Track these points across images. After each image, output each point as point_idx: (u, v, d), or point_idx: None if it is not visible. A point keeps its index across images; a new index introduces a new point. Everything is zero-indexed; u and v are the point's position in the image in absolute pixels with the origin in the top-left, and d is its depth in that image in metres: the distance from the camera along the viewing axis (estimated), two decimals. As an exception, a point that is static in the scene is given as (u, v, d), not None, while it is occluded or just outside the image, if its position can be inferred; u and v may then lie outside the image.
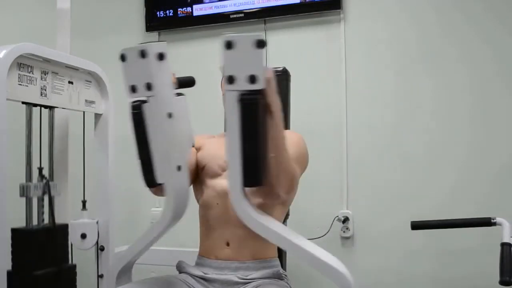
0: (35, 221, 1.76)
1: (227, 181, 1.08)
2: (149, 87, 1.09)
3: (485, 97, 2.18)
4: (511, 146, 2.13)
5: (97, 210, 1.97)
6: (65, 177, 1.94)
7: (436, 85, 2.24)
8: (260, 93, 1.03)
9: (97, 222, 1.91)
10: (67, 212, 1.93)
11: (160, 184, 1.16)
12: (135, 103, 1.14)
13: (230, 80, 1.02)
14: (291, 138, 1.51)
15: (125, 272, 1.37)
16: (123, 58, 1.12)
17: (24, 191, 1.69)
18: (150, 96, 1.10)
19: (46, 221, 1.79)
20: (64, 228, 1.86)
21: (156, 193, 1.37)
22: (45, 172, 1.79)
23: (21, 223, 1.71)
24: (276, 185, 1.22)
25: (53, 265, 1.73)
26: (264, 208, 1.48)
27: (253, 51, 1.01)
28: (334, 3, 2.36)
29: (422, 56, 2.27)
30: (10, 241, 1.65)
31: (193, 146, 1.36)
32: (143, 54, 1.08)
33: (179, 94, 1.23)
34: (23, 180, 1.69)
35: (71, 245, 1.93)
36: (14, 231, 1.67)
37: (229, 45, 1.02)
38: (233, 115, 1.03)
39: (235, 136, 1.04)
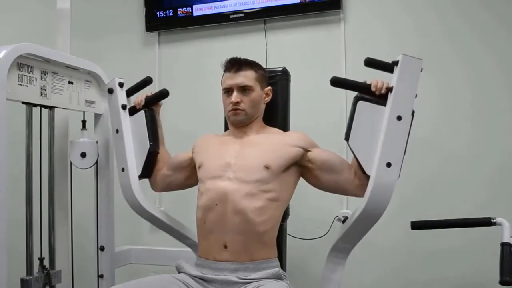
0: None
1: (387, 176, 1.35)
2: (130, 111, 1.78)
3: (485, 96, 2.18)
4: (511, 146, 2.13)
5: (97, 213, 1.96)
6: (65, 177, 1.93)
7: (435, 85, 2.24)
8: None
9: (96, 142, 1.92)
10: None
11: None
12: None
13: (416, 95, 1.40)
14: (310, 140, 1.62)
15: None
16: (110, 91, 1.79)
17: (25, 285, 1.64)
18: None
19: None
20: None
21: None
22: (45, 167, 1.79)
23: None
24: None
25: None
26: (263, 211, 1.49)
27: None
28: (334, 3, 2.36)
29: (422, 56, 2.25)
30: None
31: (155, 151, 1.72)
32: (109, 90, 1.79)
33: (141, 110, 1.74)
34: (23, 180, 1.69)
35: (72, 245, 1.93)
36: None
37: (422, 69, 1.43)
38: (409, 123, 1.38)
39: (406, 138, 1.37)
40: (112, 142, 1.83)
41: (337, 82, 1.47)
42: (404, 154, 1.37)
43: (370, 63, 1.42)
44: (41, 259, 1.73)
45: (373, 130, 1.38)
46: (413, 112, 1.37)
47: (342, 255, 1.52)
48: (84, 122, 1.94)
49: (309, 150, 1.56)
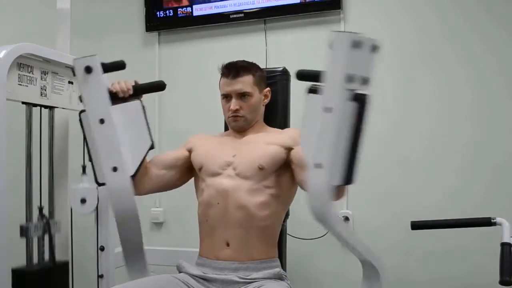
0: (35, 254, 1.75)
1: (314, 178, 1.12)
2: (80, 99, 1.35)
3: (485, 97, 2.18)
4: (511, 146, 2.13)
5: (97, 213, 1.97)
6: (65, 177, 1.93)
7: (436, 85, 2.24)
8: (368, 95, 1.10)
9: (97, 188, 1.90)
10: (67, 248, 1.93)
11: (103, 184, 1.34)
12: (79, 112, 1.36)
13: (350, 79, 1.07)
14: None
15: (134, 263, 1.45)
16: (73, 72, 1.37)
17: (24, 232, 1.67)
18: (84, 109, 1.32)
19: (47, 257, 1.79)
20: (65, 265, 1.85)
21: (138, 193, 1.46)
22: (45, 167, 1.79)
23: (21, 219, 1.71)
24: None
25: None
26: (265, 206, 1.49)
27: (370, 54, 1.09)
28: (334, 3, 2.36)
29: (422, 56, 2.27)
30: (11, 282, 1.64)
31: (151, 148, 1.39)
32: (72, 70, 1.36)
33: (134, 99, 1.41)
34: (23, 180, 1.69)
35: (72, 246, 1.93)
36: (15, 272, 1.66)
37: (356, 44, 1.07)
38: (344, 113, 1.08)
39: (343, 134, 1.09)
40: (94, 135, 1.37)
41: (301, 75, 1.32)
42: (354, 153, 1.11)
43: (302, 76, 1.29)
44: (40, 208, 1.73)
45: (317, 125, 1.15)
46: (361, 98, 1.11)
47: (365, 271, 1.38)
48: (84, 167, 1.91)
49: (292, 148, 1.53)
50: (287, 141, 1.55)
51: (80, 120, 1.35)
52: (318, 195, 1.14)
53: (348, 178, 1.10)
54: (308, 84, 1.33)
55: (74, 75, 1.34)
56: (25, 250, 1.72)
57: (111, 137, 1.35)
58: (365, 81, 1.10)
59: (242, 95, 1.59)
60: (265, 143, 1.56)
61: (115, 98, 1.42)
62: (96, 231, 1.94)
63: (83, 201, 1.84)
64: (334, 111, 1.08)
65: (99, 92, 1.35)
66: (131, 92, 1.44)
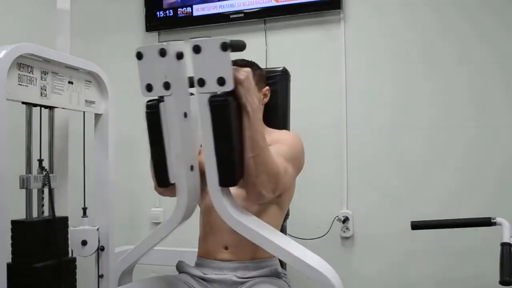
0: (35, 213, 1.76)
1: (207, 181, 1.10)
2: (167, 86, 1.10)
3: (485, 97, 2.18)
4: (511, 146, 2.13)
5: (97, 214, 1.96)
6: (65, 177, 1.93)
7: (436, 85, 2.24)
8: (231, 94, 1.06)
9: (97, 229, 1.91)
10: (67, 205, 1.93)
11: (172, 184, 1.17)
12: (151, 102, 1.14)
13: (201, 83, 1.04)
14: (285, 138, 1.52)
15: (128, 273, 1.38)
16: (139, 56, 1.17)
17: (24, 183, 1.68)
18: (167, 95, 1.10)
19: (46, 213, 1.79)
20: (64, 220, 1.85)
21: (163, 193, 1.40)
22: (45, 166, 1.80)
23: (21, 214, 1.71)
24: (258, 185, 1.21)
25: (53, 257, 1.73)
26: (263, 213, 1.48)
27: (219, 54, 1.07)
28: (334, 3, 2.36)
29: (422, 56, 2.27)
30: (10, 233, 1.64)
31: (201, 146, 1.27)
32: (162, 53, 1.11)
33: (191, 94, 1.21)
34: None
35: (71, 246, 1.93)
36: (14, 223, 1.66)
37: (197, 49, 1.06)
38: (205, 117, 1.06)
39: (209, 137, 1.06)
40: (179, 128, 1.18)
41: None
42: (225, 155, 1.08)
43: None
44: (40, 160, 1.74)
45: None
46: (220, 100, 1.05)
47: None
48: (84, 209, 1.93)
49: None
50: (269, 142, 1.53)
51: (155, 111, 1.14)
52: (193, 197, 1.17)
53: (225, 179, 1.09)
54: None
55: (140, 59, 1.19)
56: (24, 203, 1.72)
57: (193, 133, 1.19)
58: (221, 81, 1.05)
59: None
60: None
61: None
62: (97, 238, 1.94)
63: (83, 243, 1.86)
64: (199, 115, 1.07)
65: (186, 82, 1.17)
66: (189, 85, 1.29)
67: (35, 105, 1.71)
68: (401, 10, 2.32)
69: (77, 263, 1.93)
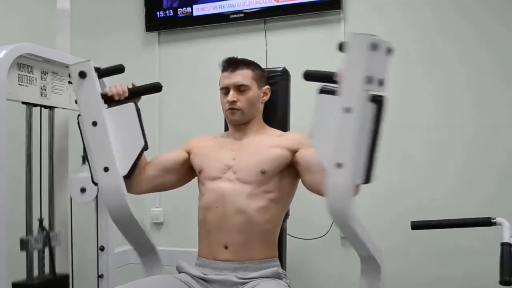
0: (35, 266, 1.74)
1: (336, 178, 1.14)
2: (75, 101, 1.44)
3: (485, 96, 2.18)
4: (511, 146, 2.13)
5: (97, 214, 1.97)
6: (65, 177, 1.93)
7: (435, 85, 2.24)
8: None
9: None
10: (68, 261, 1.92)
11: (96, 184, 1.42)
12: (78, 115, 1.44)
13: (369, 80, 1.09)
14: (307, 143, 1.50)
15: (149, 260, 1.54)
16: (69, 76, 1.45)
17: (24, 245, 1.66)
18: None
19: (47, 270, 1.78)
20: (65, 278, 1.85)
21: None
22: (45, 167, 1.79)
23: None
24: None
25: None
26: (264, 211, 1.48)
27: (386, 57, 1.11)
28: (334, 3, 2.36)
29: (422, 55, 2.27)
30: None
31: (145, 149, 1.45)
32: (69, 74, 1.44)
33: (129, 102, 1.46)
34: (23, 180, 1.69)
35: (72, 245, 1.93)
36: (15, 286, 1.66)
37: (374, 47, 1.09)
38: (364, 114, 1.11)
39: (364, 134, 1.12)
40: (87, 137, 1.45)
41: (309, 75, 1.32)
42: (372, 152, 1.15)
43: (310, 76, 1.29)
44: (40, 220, 1.73)
45: (333, 126, 1.16)
46: (378, 100, 1.11)
47: (367, 268, 1.35)
48: (84, 157, 1.88)
49: (297, 151, 1.53)
50: (291, 143, 1.55)
51: (78, 123, 1.44)
52: (339, 195, 1.15)
53: (367, 177, 1.15)
54: (313, 84, 1.34)
55: (69, 80, 1.48)
56: (25, 262, 1.71)
57: (103, 139, 1.41)
58: (381, 82, 1.12)
59: (240, 88, 1.59)
60: (267, 146, 1.56)
61: (112, 101, 1.48)
62: (96, 231, 1.94)
63: (82, 190, 1.84)
64: (354, 111, 1.10)
65: (92, 96, 1.42)
66: (126, 94, 1.49)
67: (35, 105, 1.71)
68: (401, 10, 2.32)
69: (77, 263, 1.93)
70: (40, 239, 1.70)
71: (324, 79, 1.26)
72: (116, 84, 1.49)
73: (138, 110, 1.47)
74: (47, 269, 1.78)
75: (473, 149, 2.18)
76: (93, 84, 1.42)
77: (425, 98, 2.26)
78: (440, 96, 2.24)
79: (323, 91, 1.22)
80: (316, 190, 1.43)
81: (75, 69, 1.41)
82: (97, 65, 1.48)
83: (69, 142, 2.00)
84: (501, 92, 2.16)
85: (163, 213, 2.62)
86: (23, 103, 1.66)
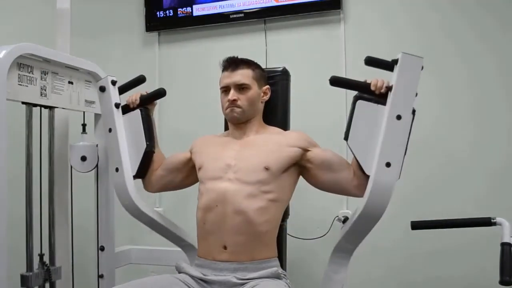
0: None
1: (384, 176, 1.33)
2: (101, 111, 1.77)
3: (485, 96, 2.18)
4: (511, 146, 2.13)
5: (97, 214, 1.96)
6: (65, 179, 1.93)
7: (436, 85, 2.24)
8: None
9: (96, 145, 1.91)
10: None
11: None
12: None
13: (416, 94, 1.37)
14: (316, 143, 1.61)
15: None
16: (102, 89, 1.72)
17: (25, 281, 1.64)
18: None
19: None
20: None
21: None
22: (45, 167, 1.79)
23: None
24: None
25: None
26: (264, 211, 1.49)
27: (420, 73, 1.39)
28: (334, 3, 2.36)
29: (422, 55, 2.26)
30: None
31: (151, 151, 1.69)
32: (99, 88, 1.73)
33: (136, 109, 1.70)
34: (23, 181, 1.68)
35: (72, 245, 1.92)
36: None
37: (423, 67, 1.40)
38: (409, 122, 1.35)
39: (406, 138, 1.35)
40: (106, 142, 1.79)
41: (336, 81, 1.46)
42: (405, 154, 1.36)
43: (370, 61, 1.41)
44: (41, 255, 1.73)
45: (373, 129, 1.37)
46: (414, 111, 1.36)
47: (345, 256, 1.51)
48: (84, 125, 1.93)
49: (309, 150, 1.56)
50: (300, 142, 1.56)
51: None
52: (385, 191, 1.34)
53: (400, 174, 1.36)
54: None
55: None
56: None
57: (115, 143, 1.66)
58: (416, 95, 1.37)
59: (241, 87, 1.60)
60: (273, 143, 1.57)
61: (128, 109, 1.72)
62: (96, 231, 1.94)
63: (83, 158, 1.86)
64: (404, 118, 1.33)
65: (108, 106, 1.69)
66: (137, 103, 1.71)
67: (35, 105, 1.71)
68: (401, 10, 2.32)
69: (77, 263, 1.93)
70: (41, 274, 1.70)
71: (356, 87, 1.45)
72: (132, 94, 1.72)
73: (144, 115, 1.69)
74: None
75: (473, 149, 2.18)
76: (109, 96, 1.69)
77: (425, 98, 2.26)
78: (440, 96, 2.24)
79: (360, 98, 1.41)
80: (336, 188, 1.53)
81: (97, 85, 1.73)
82: (115, 79, 1.72)
83: (69, 142, 2.00)
84: (501, 92, 2.16)
85: (163, 213, 2.62)
86: (23, 103, 1.66)
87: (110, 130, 1.68)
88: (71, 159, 1.87)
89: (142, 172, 1.70)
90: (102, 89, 1.70)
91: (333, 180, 1.52)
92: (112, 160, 1.70)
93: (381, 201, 1.35)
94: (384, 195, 1.34)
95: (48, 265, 1.73)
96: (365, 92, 1.41)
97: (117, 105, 1.69)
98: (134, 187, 1.66)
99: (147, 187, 1.77)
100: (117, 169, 1.65)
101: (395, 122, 1.33)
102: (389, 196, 1.35)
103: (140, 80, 1.74)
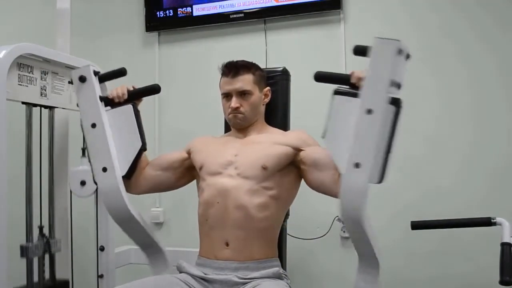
0: (35, 270, 1.74)
1: (352, 178, 1.17)
2: (77, 105, 1.50)
3: (485, 96, 2.18)
4: (511, 146, 2.13)
5: (98, 214, 1.96)
6: (65, 178, 1.93)
7: (436, 85, 2.24)
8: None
9: None
10: (68, 267, 1.92)
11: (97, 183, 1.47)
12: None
13: (392, 84, 1.15)
14: (314, 143, 1.57)
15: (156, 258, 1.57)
16: (70, 82, 1.55)
17: (24, 252, 1.66)
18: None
19: (48, 275, 1.78)
20: (65, 284, 1.85)
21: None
22: (45, 167, 1.79)
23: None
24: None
25: None
26: (264, 207, 1.49)
27: (405, 62, 1.18)
28: (334, 3, 2.36)
29: (422, 56, 2.27)
30: None
31: (143, 149, 1.51)
32: (70, 79, 1.51)
33: (127, 104, 1.52)
34: (23, 181, 1.69)
35: (72, 245, 1.93)
36: None
37: (400, 51, 1.17)
38: (385, 116, 1.16)
39: (384, 135, 1.17)
40: (87, 139, 1.52)
41: (321, 77, 1.35)
42: (389, 153, 1.20)
43: (320, 77, 1.34)
44: (40, 227, 1.74)
45: (349, 126, 1.21)
46: (398, 102, 1.16)
47: (365, 265, 1.37)
48: (84, 149, 1.88)
49: (302, 150, 1.54)
50: (294, 141, 1.55)
51: (81, 126, 1.49)
52: (354, 195, 1.18)
53: (382, 176, 1.18)
54: (313, 84, 1.38)
55: (70, 83, 1.56)
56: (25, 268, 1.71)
57: (102, 140, 1.46)
58: (399, 86, 1.17)
59: (242, 93, 1.60)
60: (270, 143, 1.57)
61: (113, 103, 1.53)
62: (96, 231, 1.94)
63: (82, 183, 1.83)
64: (376, 113, 1.15)
65: (91, 99, 1.48)
66: (125, 97, 1.53)
67: (35, 105, 1.71)
68: (401, 10, 2.32)
69: (77, 263, 1.93)
70: (40, 246, 1.70)
71: (337, 81, 1.32)
72: (117, 87, 1.53)
73: (136, 111, 1.52)
74: (47, 275, 1.78)
75: (473, 149, 2.18)
76: (92, 88, 1.48)
77: (425, 98, 2.26)
78: (440, 96, 2.24)
79: (338, 92, 1.27)
80: (323, 188, 1.47)
81: (76, 74, 1.48)
82: (97, 69, 1.53)
83: (69, 142, 2.01)
84: (501, 92, 2.16)
85: (163, 213, 2.62)
86: (23, 103, 1.66)
87: (93, 125, 1.47)
88: (71, 184, 1.85)
89: (131, 172, 1.52)
90: (83, 79, 1.48)
91: (319, 179, 1.47)
92: (96, 159, 1.47)
93: (353, 206, 1.20)
94: (354, 200, 1.19)
95: (47, 237, 1.74)
96: (346, 84, 1.29)
97: (101, 98, 1.51)
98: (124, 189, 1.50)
99: (132, 188, 1.59)
100: (104, 169, 1.46)
101: (365, 117, 1.16)
102: (359, 201, 1.19)
103: (122, 72, 1.56)
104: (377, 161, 1.17)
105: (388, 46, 1.17)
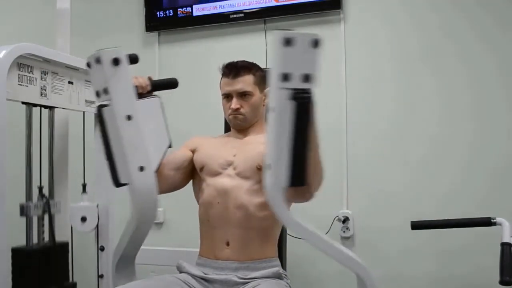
0: (35, 236, 1.74)
1: (267, 180, 1.06)
2: (105, 91, 1.19)
3: (485, 97, 2.18)
4: (511, 146, 2.13)
5: (98, 214, 1.96)
6: (65, 178, 1.93)
7: (436, 85, 2.24)
8: (311, 92, 1.04)
9: (97, 206, 1.90)
10: (67, 229, 1.92)
11: (124, 184, 1.23)
12: (98, 106, 1.21)
13: (285, 77, 1.02)
14: None
15: (124, 268, 1.37)
16: (88, 65, 1.23)
17: (24, 211, 1.67)
18: (108, 100, 1.18)
19: (47, 238, 1.78)
20: (65, 246, 1.85)
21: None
22: (45, 167, 1.80)
23: (21, 227, 1.70)
24: (313, 185, 1.26)
25: (54, 284, 1.73)
26: (264, 207, 1.49)
27: (310, 50, 1.02)
28: (334, 3, 2.36)
29: (422, 56, 2.27)
30: (10, 261, 1.63)
31: (170, 147, 1.38)
32: (97, 60, 1.20)
33: (154, 96, 1.37)
34: (23, 181, 1.69)
35: (71, 246, 1.93)
36: (14, 251, 1.66)
37: (287, 42, 1.01)
38: (284, 113, 1.03)
39: (284, 134, 1.04)
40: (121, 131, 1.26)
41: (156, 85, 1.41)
42: (299, 153, 1.06)
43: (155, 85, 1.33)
44: (40, 188, 1.74)
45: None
46: (301, 97, 1.04)
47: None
48: (84, 185, 1.91)
49: None
50: None
51: (100, 116, 1.21)
52: (269, 197, 1.07)
53: (297, 179, 1.05)
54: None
55: (89, 67, 1.24)
56: (24, 230, 1.72)
57: (138, 135, 1.23)
58: (306, 78, 1.04)
59: (243, 95, 1.59)
60: (264, 142, 1.56)
61: (139, 94, 1.37)
62: (96, 232, 1.94)
63: (83, 219, 1.84)
64: (275, 111, 1.03)
65: (126, 86, 1.23)
66: (149, 88, 1.44)
67: (35, 105, 1.71)
68: (401, 10, 2.32)
69: (77, 263, 1.93)
70: (40, 205, 1.71)
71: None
72: (138, 76, 1.41)
73: (162, 105, 1.40)
74: (46, 237, 1.78)
75: (473, 149, 2.18)
76: (127, 73, 1.22)
77: (425, 98, 2.26)
78: (440, 96, 2.24)
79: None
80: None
81: (107, 56, 1.20)
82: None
83: (69, 142, 2.01)
84: (501, 92, 2.16)
85: (163, 213, 2.62)
86: (23, 103, 1.66)
87: (129, 117, 1.22)
88: (71, 219, 1.86)
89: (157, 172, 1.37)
90: (117, 61, 1.20)
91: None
92: (133, 156, 1.23)
93: (272, 207, 1.10)
94: (271, 201, 1.08)
95: (47, 197, 1.74)
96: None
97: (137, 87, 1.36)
98: None
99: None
100: (141, 168, 1.24)
101: (269, 116, 1.06)
102: (275, 202, 1.08)
103: (174, 83, 1.55)
104: (283, 163, 1.04)
105: (275, 38, 1.02)
